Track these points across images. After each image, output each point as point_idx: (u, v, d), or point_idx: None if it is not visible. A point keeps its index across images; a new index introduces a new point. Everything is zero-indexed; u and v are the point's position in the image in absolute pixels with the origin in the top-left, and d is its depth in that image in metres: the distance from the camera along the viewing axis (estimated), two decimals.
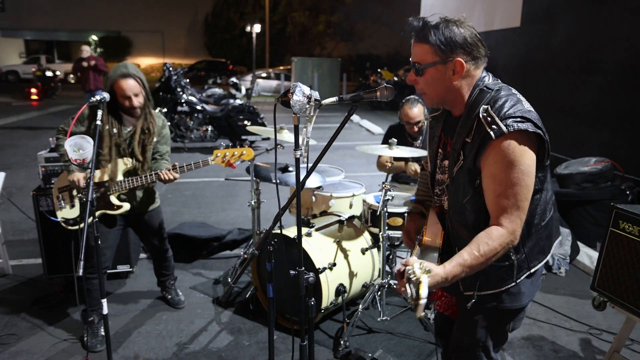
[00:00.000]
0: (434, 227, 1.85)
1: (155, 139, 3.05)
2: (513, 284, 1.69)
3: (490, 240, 1.51)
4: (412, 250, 1.85)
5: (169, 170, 2.91)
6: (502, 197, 1.52)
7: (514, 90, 1.62)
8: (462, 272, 1.50)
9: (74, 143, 2.66)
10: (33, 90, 17.19)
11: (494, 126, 1.50)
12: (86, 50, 10.32)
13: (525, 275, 1.69)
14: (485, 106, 1.54)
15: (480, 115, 1.54)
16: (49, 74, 18.67)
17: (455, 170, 1.65)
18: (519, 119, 1.49)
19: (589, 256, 4.24)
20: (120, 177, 2.97)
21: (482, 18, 9.17)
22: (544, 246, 1.72)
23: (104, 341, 2.64)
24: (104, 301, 2.40)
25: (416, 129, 3.70)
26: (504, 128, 1.48)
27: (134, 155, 2.98)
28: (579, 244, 4.38)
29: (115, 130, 2.93)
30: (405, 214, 3.26)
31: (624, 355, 2.70)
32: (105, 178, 2.95)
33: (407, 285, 1.35)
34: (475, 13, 9.49)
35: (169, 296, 3.49)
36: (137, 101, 2.89)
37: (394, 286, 3.25)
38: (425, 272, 1.33)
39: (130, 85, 2.84)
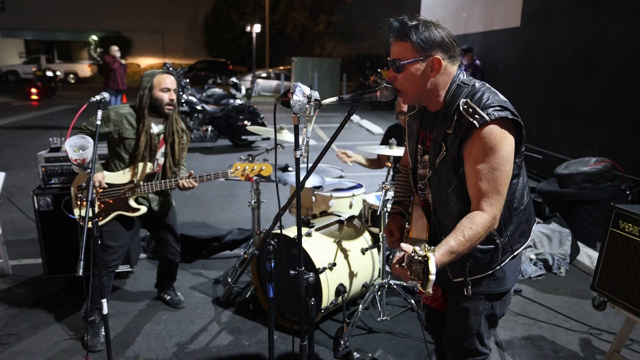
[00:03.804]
0: (419, 221, 1.89)
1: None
2: (498, 267, 1.78)
3: (474, 225, 1.58)
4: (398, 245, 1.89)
5: (188, 178, 2.99)
6: (483, 182, 1.60)
7: (487, 85, 1.71)
8: (450, 259, 1.56)
9: (74, 143, 2.65)
10: (33, 90, 17.17)
11: (476, 116, 1.59)
12: (117, 50, 10.71)
13: (509, 257, 1.79)
14: (465, 99, 1.64)
15: (461, 107, 1.63)
16: (49, 74, 18.64)
17: (438, 162, 1.73)
18: (498, 108, 1.59)
19: (589, 256, 4.24)
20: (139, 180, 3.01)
21: (482, 18, 9.17)
22: (525, 229, 1.81)
23: (105, 341, 2.64)
24: (104, 301, 2.41)
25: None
26: (486, 117, 1.58)
27: (172, 155, 3.07)
28: (579, 244, 4.38)
29: (154, 130, 3.01)
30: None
31: (624, 355, 2.70)
32: (132, 178, 3.00)
33: (410, 268, 1.38)
34: (475, 13, 9.49)
35: (168, 297, 3.49)
36: (174, 97, 3.01)
37: (394, 286, 3.25)
38: (429, 251, 1.36)
39: (171, 80, 3.01)
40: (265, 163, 3.09)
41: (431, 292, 1.35)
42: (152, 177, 3.07)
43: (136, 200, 3.05)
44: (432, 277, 1.30)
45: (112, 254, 3.02)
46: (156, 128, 3.05)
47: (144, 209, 3.06)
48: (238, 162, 3.07)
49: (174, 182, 2.98)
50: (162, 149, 3.08)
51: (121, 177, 3.01)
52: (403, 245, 1.46)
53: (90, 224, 2.30)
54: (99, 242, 2.16)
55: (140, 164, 3.00)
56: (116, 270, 3.70)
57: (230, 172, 3.01)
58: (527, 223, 1.82)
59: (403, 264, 1.43)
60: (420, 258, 1.34)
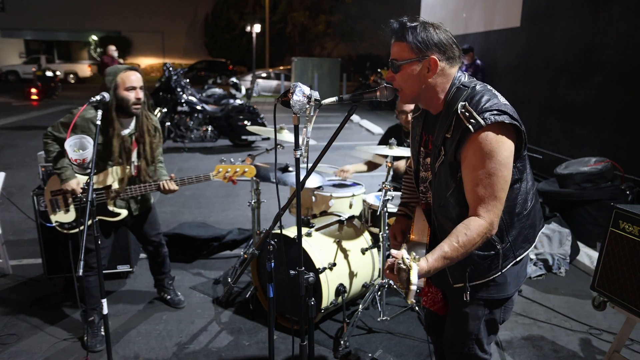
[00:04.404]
0: (420, 224, 1.89)
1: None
2: (499, 272, 1.74)
3: (469, 231, 1.56)
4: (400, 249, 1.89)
5: (169, 181, 2.94)
6: (480, 187, 1.58)
7: (489, 87, 1.69)
8: (444, 264, 1.55)
9: (74, 143, 2.65)
10: (33, 90, 17.16)
11: (472, 120, 1.57)
12: (115, 50, 10.85)
13: (511, 263, 1.76)
14: (463, 102, 1.62)
15: (459, 111, 1.61)
16: (49, 74, 18.62)
17: (437, 165, 1.72)
18: (495, 112, 1.56)
19: (589, 256, 4.24)
20: (118, 185, 2.96)
21: (482, 18, 9.17)
22: (529, 235, 1.78)
23: (104, 341, 2.64)
24: (104, 301, 2.40)
25: (409, 118, 3.69)
26: (481, 121, 1.55)
27: (145, 156, 2.98)
28: (579, 244, 4.38)
29: (125, 132, 2.92)
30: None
31: (624, 355, 2.70)
32: (108, 183, 2.94)
33: (398, 274, 1.39)
34: (475, 13, 9.49)
35: (168, 297, 3.49)
36: (141, 95, 2.87)
37: (394, 286, 3.25)
38: (414, 261, 1.36)
39: (137, 77, 2.85)
40: (248, 165, 3.00)
41: (414, 301, 1.37)
42: (132, 180, 3.00)
43: (115, 205, 3.00)
44: (414, 288, 1.31)
45: (94, 256, 2.97)
46: (127, 129, 2.94)
47: (124, 213, 3.02)
48: (220, 164, 3.00)
49: (154, 185, 2.93)
50: (136, 150, 3.00)
51: (102, 179, 2.94)
52: (393, 251, 1.46)
53: (89, 223, 2.30)
54: (83, 245, 2.13)
55: (118, 169, 2.92)
56: (116, 271, 3.73)
57: (213, 175, 2.96)
58: (532, 228, 1.78)
59: (394, 271, 1.44)
60: (405, 267, 1.35)
